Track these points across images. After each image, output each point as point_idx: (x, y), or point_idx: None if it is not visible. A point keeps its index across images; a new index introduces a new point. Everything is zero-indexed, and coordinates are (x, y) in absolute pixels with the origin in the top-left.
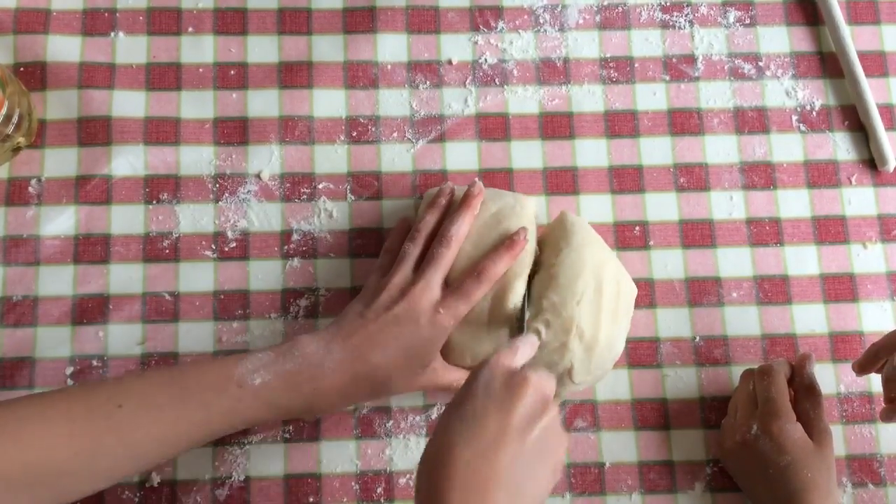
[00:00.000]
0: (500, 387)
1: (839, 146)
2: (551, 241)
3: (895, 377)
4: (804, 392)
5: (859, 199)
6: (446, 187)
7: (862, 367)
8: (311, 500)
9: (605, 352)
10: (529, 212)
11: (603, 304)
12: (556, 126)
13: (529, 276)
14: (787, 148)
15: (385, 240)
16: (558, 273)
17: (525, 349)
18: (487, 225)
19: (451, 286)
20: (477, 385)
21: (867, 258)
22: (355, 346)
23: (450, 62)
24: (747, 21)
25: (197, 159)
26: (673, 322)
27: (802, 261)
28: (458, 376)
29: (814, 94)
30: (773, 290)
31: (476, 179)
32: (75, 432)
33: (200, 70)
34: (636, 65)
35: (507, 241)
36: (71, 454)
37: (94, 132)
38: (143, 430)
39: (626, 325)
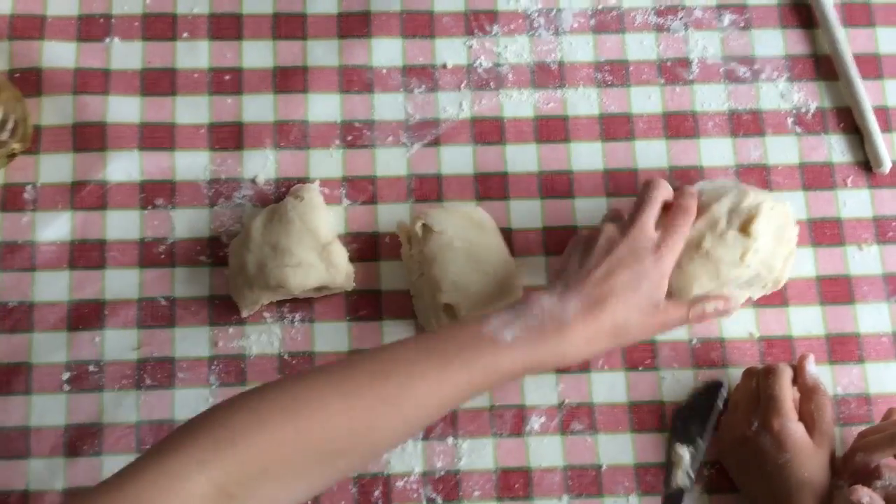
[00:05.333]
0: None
1: (834, 148)
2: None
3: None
4: (808, 393)
5: (855, 202)
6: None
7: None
8: (309, 503)
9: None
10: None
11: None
12: (552, 130)
13: None
14: (782, 150)
15: (381, 245)
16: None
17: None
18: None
19: (660, 226)
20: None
21: (863, 260)
22: (588, 293)
23: (444, 66)
24: (742, 24)
25: (192, 164)
26: None
27: (798, 263)
28: (684, 314)
29: (809, 96)
30: None
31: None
32: (350, 410)
33: (195, 75)
34: (631, 68)
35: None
36: (347, 431)
37: (90, 138)
38: (412, 400)
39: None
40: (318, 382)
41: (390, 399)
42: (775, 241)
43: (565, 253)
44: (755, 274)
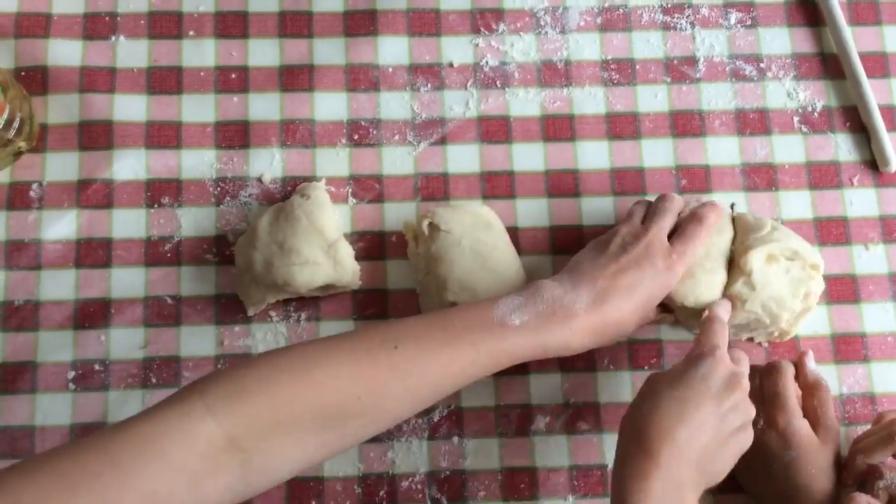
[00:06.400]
0: (720, 383)
1: (841, 147)
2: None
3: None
4: (810, 389)
5: (861, 201)
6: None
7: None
8: (314, 503)
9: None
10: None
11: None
12: (558, 128)
13: None
14: (788, 149)
15: (387, 243)
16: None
17: (726, 318)
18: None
19: (675, 234)
20: (696, 374)
21: (869, 259)
22: (602, 289)
23: (451, 65)
24: (748, 22)
25: (198, 163)
26: None
27: None
28: (658, 316)
29: (815, 95)
30: None
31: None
32: (360, 374)
33: (201, 73)
34: (637, 67)
35: (707, 203)
36: (356, 397)
37: (96, 136)
38: (420, 372)
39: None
40: (330, 347)
41: (399, 368)
42: (789, 292)
43: (582, 251)
44: (754, 318)
